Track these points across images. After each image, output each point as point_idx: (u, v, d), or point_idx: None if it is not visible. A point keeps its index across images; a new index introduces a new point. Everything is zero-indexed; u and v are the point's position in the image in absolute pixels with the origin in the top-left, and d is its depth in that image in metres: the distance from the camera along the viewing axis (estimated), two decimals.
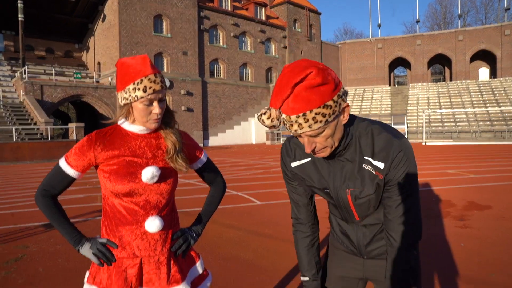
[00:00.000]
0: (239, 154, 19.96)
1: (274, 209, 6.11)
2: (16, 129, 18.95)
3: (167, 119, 1.36)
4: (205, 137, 31.73)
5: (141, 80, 1.23)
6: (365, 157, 1.19)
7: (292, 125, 1.05)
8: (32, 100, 21.88)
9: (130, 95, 1.25)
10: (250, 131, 35.00)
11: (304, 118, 1.03)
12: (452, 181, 8.59)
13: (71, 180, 1.31)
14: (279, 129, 32.01)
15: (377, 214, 1.31)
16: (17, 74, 24.76)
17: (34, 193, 8.34)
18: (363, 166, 1.19)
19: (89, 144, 1.28)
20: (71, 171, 1.29)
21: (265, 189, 8.02)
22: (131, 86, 1.24)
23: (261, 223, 5.24)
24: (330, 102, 1.04)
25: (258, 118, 1.08)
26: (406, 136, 27.82)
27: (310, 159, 1.28)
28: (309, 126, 1.04)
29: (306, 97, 1.02)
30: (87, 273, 1.35)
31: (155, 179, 1.28)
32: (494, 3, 55.52)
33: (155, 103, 1.26)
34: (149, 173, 1.26)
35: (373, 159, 1.17)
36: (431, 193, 7.14)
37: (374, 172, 1.18)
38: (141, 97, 1.24)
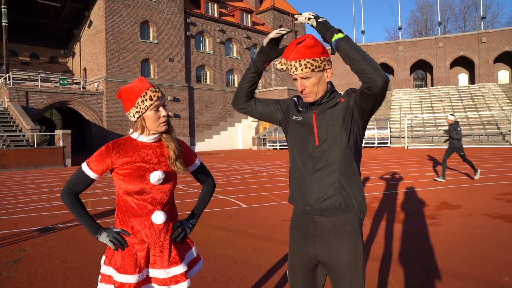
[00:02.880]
0: (225, 160, 20.24)
1: (259, 212, 6.43)
2: (1, 136, 18.83)
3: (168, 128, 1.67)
4: (192, 143, 31.88)
5: (146, 93, 1.59)
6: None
7: (291, 67, 1.56)
8: (17, 107, 21.75)
9: (140, 107, 1.58)
10: (237, 136, 35.25)
11: (299, 64, 1.54)
12: (428, 183, 9.06)
13: (91, 181, 1.63)
14: (265, 135, 32.35)
15: (332, 153, 1.57)
16: (1, 80, 24.56)
17: (22, 199, 8.50)
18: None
19: (107, 152, 1.61)
20: (92, 174, 1.61)
21: (251, 193, 8.34)
22: (139, 100, 1.58)
23: (247, 224, 5.56)
24: (317, 58, 1.55)
25: (273, 64, 1.76)
26: (389, 141, 28.31)
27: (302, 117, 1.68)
28: (301, 70, 1.55)
29: (302, 51, 1.54)
30: (103, 257, 1.65)
31: (161, 181, 1.60)
32: (472, 11, 57.24)
33: (161, 108, 1.61)
34: (156, 176, 1.59)
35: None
36: (407, 195, 7.57)
37: (337, 99, 1.62)
38: (150, 105, 1.58)
